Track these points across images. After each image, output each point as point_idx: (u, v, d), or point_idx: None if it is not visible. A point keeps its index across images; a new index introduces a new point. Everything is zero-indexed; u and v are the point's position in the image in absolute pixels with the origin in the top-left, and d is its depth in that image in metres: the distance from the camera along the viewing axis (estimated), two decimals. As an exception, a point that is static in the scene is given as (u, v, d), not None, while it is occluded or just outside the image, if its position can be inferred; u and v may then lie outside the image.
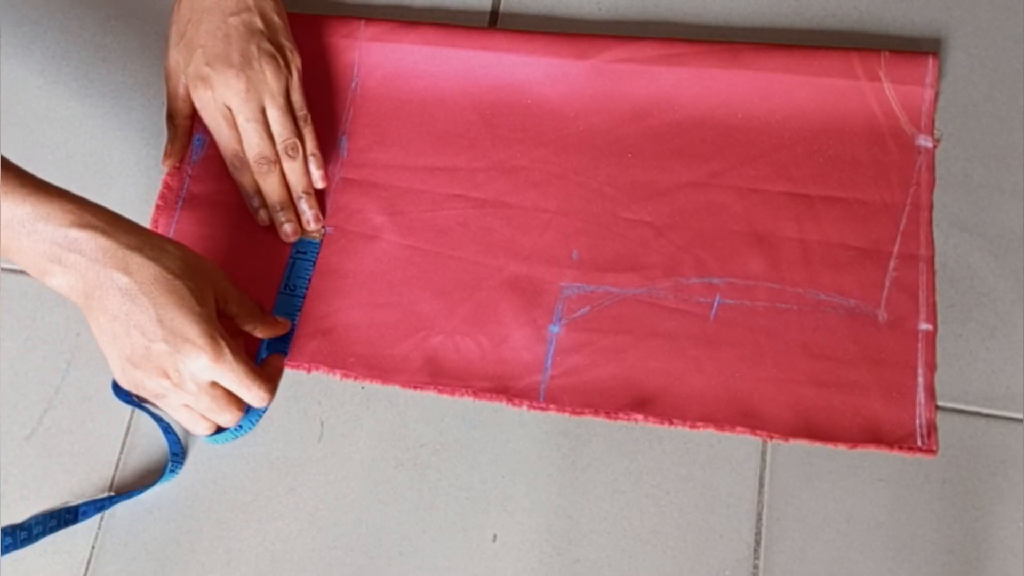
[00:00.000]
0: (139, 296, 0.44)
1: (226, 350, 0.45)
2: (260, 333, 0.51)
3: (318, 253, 0.55)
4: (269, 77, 0.52)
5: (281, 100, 0.53)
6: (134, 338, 0.44)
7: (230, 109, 0.52)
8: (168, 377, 0.45)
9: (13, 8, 0.63)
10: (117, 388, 0.49)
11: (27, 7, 0.63)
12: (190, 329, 0.44)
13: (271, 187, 0.54)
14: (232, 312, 0.49)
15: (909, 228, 0.53)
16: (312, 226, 0.55)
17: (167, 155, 0.57)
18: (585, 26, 0.59)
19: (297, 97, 0.54)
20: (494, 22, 0.60)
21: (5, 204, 0.42)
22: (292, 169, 0.54)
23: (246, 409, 0.49)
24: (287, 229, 0.55)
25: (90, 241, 0.43)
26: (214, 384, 0.46)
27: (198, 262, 0.47)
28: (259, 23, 0.52)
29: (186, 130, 0.57)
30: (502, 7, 0.60)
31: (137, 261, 0.44)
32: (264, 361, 0.52)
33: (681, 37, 0.57)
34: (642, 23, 0.59)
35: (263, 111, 0.53)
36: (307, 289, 0.54)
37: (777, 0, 0.59)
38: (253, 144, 0.53)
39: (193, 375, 0.45)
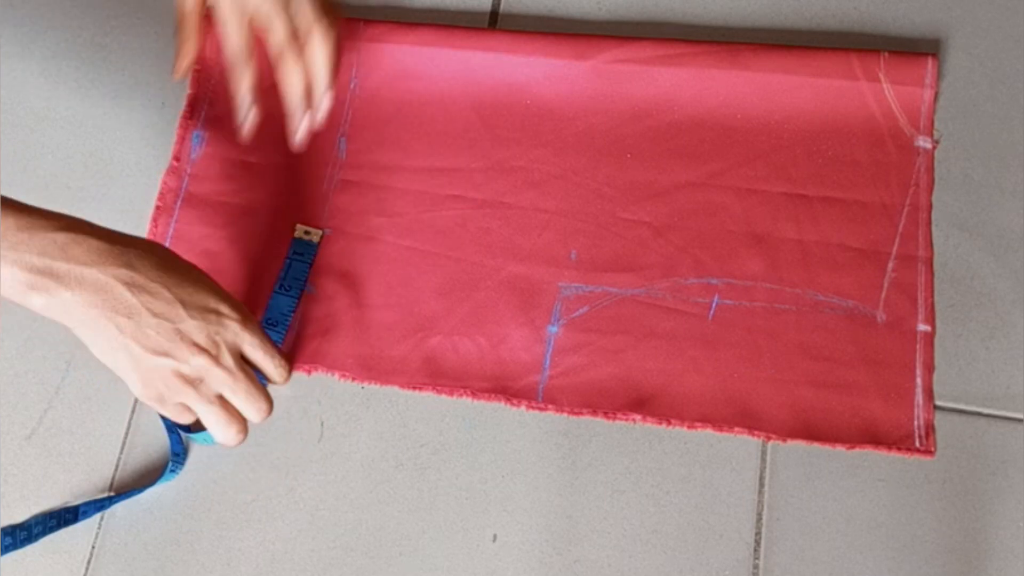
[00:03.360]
0: (149, 284, 0.43)
1: (249, 313, 0.46)
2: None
3: (315, 255, 0.55)
4: None
5: None
6: (158, 327, 0.43)
7: None
8: (206, 351, 0.44)
9: (13, 8, 0.63)
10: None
11: (27, 7, 0.63)
12: (211, 299, 0.44)
13: (293, 79, 0.50)
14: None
15: (908, 229, 0.53)
16: (320, 114, 0.52)
17: (178, 59, 0.55)
18: (585, 27, 0.59)
19: None
20: (494, 23, 0.60)
21: None
22: (317, 54, 0.50)
23: None
24: (302, 132, 0.52)
25: (81, 244, 0.42)
26: (243, 362, 0.46)
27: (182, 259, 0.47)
28: None
29: (195, 27, 0.54)
30: (502, 7, 0.60)
31: (134, 253, 0.43)
32: None
33: (680, 38, 0.57)
34: (642, 23, 0.59)
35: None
36: (303, 290, 0.54)
37: (777, 0, 0.59)
38: (278, 27, 0.49)
39: (228, 343, 0.45)
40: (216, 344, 0.45)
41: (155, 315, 0.43)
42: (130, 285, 0.42)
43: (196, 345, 0.44)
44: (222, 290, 0.46)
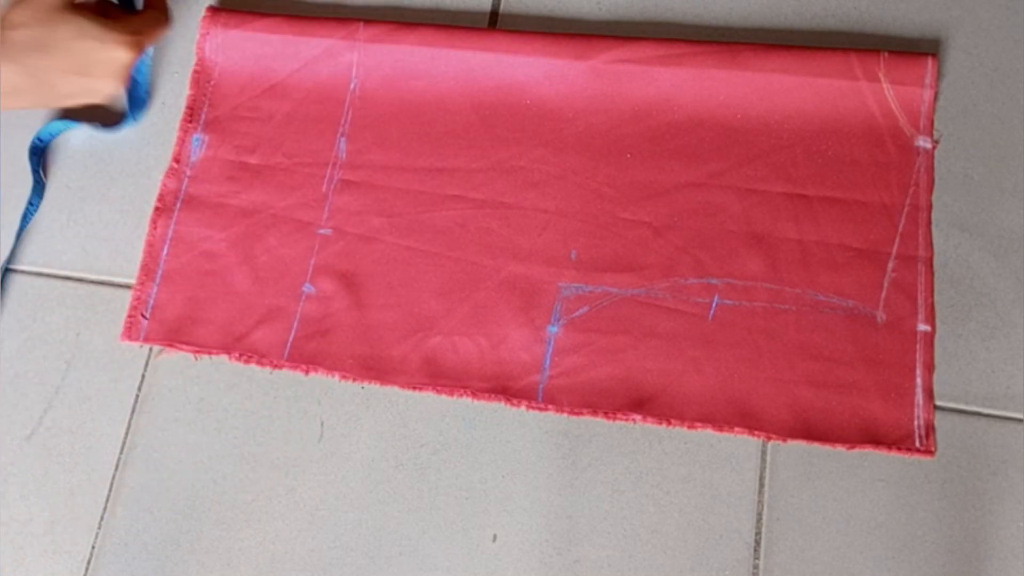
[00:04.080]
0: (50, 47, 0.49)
1: (133, 30, 0.52)
2: None
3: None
4: None
5: None
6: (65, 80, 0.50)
7: None
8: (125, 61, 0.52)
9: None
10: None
11: (27, 8, 0.63)
12: (93, 46, 0.50)
13: None
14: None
15: (908, 229, 0.53)
16: None
17: None
18: (585, 27, 0.59)
19: None
20: (494, 23, 0.60)
21: None
22: None
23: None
24: None
25: None
26: None
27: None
28: None
29: None
30: (502, 8, 0.60)
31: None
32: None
33: (681, 38, 0.57)
34: (641, 24, 0.59)
35: None
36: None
37: (777, 0, 0.59)
38: None
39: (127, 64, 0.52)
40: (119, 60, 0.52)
41: (63, 71, 0.50)
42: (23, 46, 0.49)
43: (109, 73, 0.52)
44: (105, 23, 0.51)
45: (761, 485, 0.50)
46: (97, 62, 0.51)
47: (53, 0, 0.50)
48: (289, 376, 0.53)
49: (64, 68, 0.50)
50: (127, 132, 0.59)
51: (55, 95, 0.52)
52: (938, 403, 0.50)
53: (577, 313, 0.53)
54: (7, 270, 0.56)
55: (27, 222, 0.57)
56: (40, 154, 0.58)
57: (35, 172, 0.58)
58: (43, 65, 0.49)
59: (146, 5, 0.55)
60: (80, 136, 0.59)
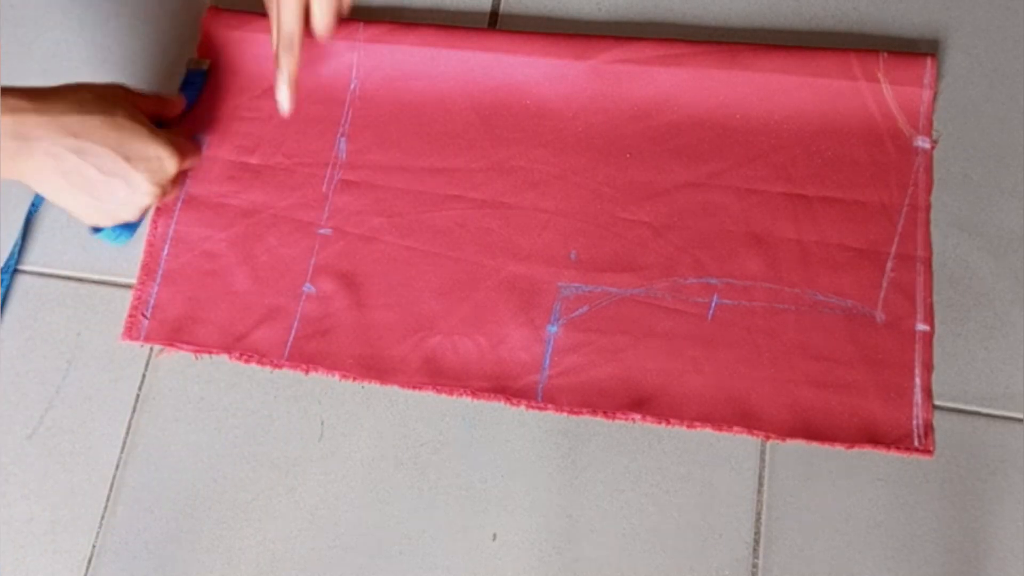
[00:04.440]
0: (95, 148, 0.48)
1: (179, 143, 0.52)
2: (170, 114, 0.56)
3: (203, 85, 0.59)
4: None
5: None
6: (107, 184, 0.49)
7: None
8: (154, 194, 0.51)
9: (13, 8, 0.63)
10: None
11: (27, 7, 0.63)
12: (151, 147, 0.50)
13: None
14: (150, 112, 0.53)
15: (907, 229, 0.53)
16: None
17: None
18: (585, 27, 0.59)
19: None
20: (494, 23, 0.60)
21: None
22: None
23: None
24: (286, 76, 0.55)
25: (27, 121, 0.46)
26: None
27: (110, 91, 0.51)
28: None
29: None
30: (502, 8, 0.60)
31: (77, 120, 0.47)
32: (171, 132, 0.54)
33: (680, 38, 0.57)
34: (641, 24, 0.59)
35: None
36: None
37: (776, 1, 0.59)
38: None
39: (169, 179, 0.52)
40: (161, 186, 0.52)
41: (106, 174, 0.49)
42: (78, 152, 0.47)
43: (145, 192, 0.51)
44: (156, 132, 0.51)
45: (760, 484, 0.50)
46: (144, 158, 0.50)
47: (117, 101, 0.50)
48: (289, 376, 0.53)
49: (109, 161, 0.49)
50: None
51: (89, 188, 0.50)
52: (937, 403, 0.50)
53: (577, 313, 0.53)
54: (15, 271, 0.57)
55: (30, 219, 0.57)
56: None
57: None
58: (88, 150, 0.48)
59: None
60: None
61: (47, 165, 0.47)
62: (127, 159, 0.49)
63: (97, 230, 0.54)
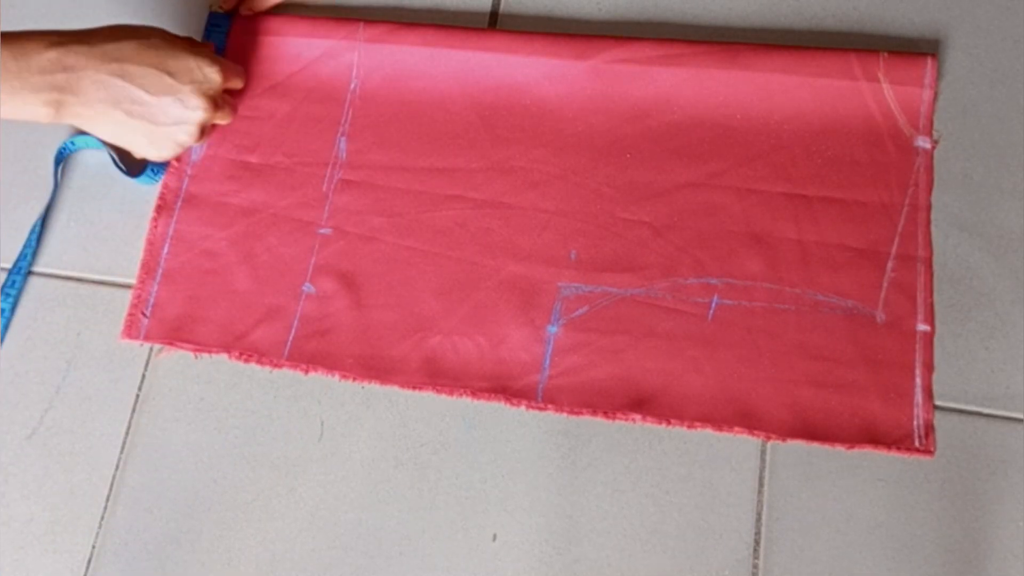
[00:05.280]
0: (140, 69, 0.49)
1: (222, 59, 0.53)
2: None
3: (230, 28, 0.60)
4: None
5: None
6: (159, 103, 0.50)
7: None
8: (205, 107, 0.52)
9: (13, 8, 0.63)
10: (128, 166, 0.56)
11: (27, 7, 0.63)
12: (191, 60, 0.51)
13: None
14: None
15: (907, 229, 0.53)
16: None
17: None
18: (585, 27, 0.59)
19: None
20: (494, 23, 0.60)
21: None
22: None
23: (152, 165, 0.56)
24: None
25: (71, 54, 0.48)
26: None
27: (143, 26, 0.52)
28: None
29: None
30: (502, 8, 0.60)
31: (115, 47, 0.49)
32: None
33: (680, 38, 0.57)
34: (641, 24, 0.59)
35: None
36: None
37: (776, 0, 0.59)
38: None
39: (217, 90, 0.53)
40: (210, 97, 0.53)
41: (155, 94, 0.50)
42: (124, 76, 0.49)
43: (196, 105, 0.52)
44: (193, 44, 0.53)
45: (761, 484, 0.50)
46: (193, 78, 0.52)
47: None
48: (289, 376, 0.53)
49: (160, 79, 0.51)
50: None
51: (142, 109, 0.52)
52: (937, 403, 0.50)
53: (577, 313, 0.53)
54: (29, 272, 0.57)
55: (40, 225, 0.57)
56: (61, 161, 0.58)
57: (55, 176, 0.58)
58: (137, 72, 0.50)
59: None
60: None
61: (97, 97, 0.49)
62: (171, 75, 0.50)
63: (135, 174, 0.56)
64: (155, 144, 0.53)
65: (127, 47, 0.50)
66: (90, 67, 0.48)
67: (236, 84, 0.57)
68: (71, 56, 0.48)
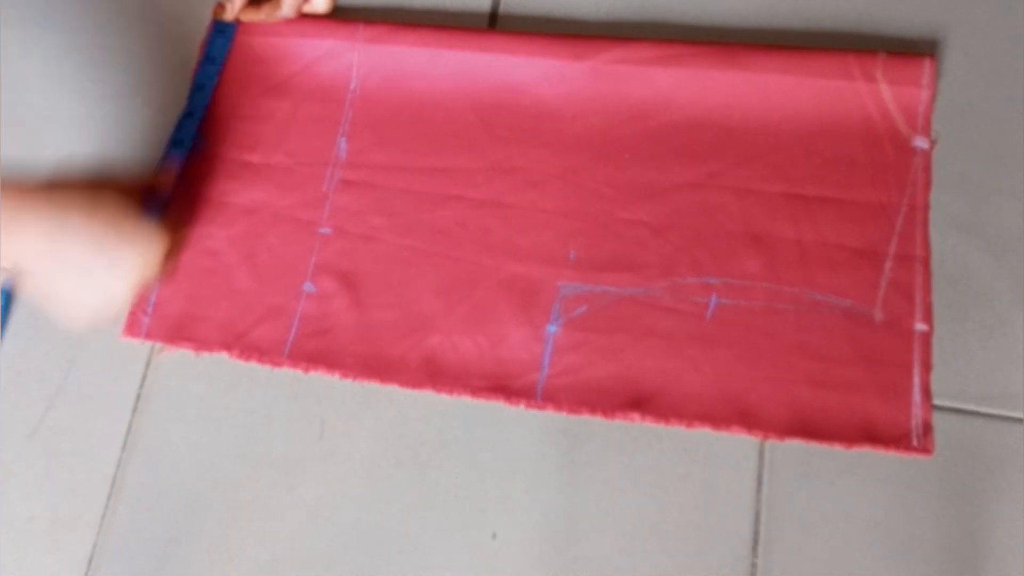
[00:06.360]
0: (76, 227, 0.46)
1: (165, 232, 0.49)
2: (160, 186, 0.54)
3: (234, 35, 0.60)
4: None
5: None
6: (94, 268, 0.47)
7: None
8: (140, 274, 0.48)
9: (13, 8, 0.63)
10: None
11: (27, 7, 0.63)
12: (134, 233, 0.48)
13: None
14: (139, 188, 0.51)
15: (905, 229, 0.53)
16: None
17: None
18: (584, 27, 0.59)
19: None
20: (493, 23, 0.60)
21: None
22: None
23: None
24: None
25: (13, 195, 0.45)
26: None
27: (98, 173, 0.49)
28: None
29: None
30: (501, 8, 0.60)
31: (61, 197, 0.46)
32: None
33: (679, 38, 0.57)
34: (640, 24, 0.59)
35: None
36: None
37: (775, 1, 0.59)
38: None
39: (153, 264, 0.49)
40: (142, 273, 0.48)
41: (86, 254, 0.46)
42: (61, 229, 0.46)
43: (125, 279, 0.48)
44: (141, 218, 0.48)
45: (759, 484, 0.50)
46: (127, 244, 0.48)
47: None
48: (289, 375, 0.54)
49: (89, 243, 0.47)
50: (127, 132, 0.59)
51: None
52: (936, 402, 0.50)
53: (576, 312, 0.53)
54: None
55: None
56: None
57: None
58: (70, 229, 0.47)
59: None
60: (80, 136, 0.59)
61: (32, 244, 0.46)
62: (109, 241, 0.47)
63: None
64: (72, 308, 0.48)
65: (75, 201, 0.46)
66: (33, 214, 0.45)
67: (175, 253, 0.52)
68: (15, 199, 0.45)
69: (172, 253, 0.51)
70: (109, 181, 0.49)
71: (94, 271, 0.47)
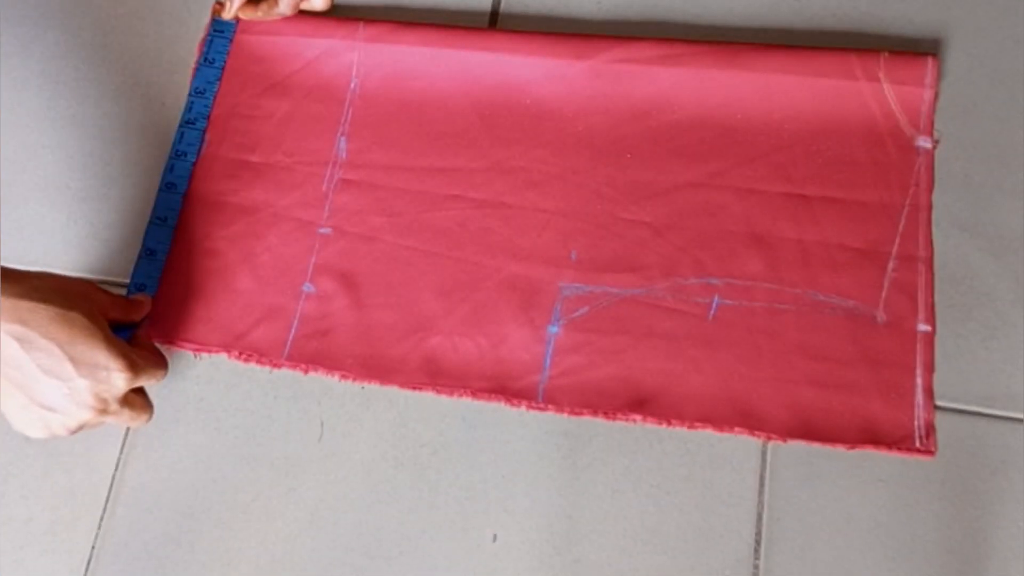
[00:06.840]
0: (40, 340, 0.43)
1: (136, 360, 0.46)
2: (136, 317, 0.51)
3: (235, 31, 0.60)
4: None
5: None
6: (46, 383, 0.44)
7: None
8: (95, 408, 0.45)
9: (13, 8, 0.63)
10: None
11: (27, 7, 0.63)
12: (101, 355, 0.45)
13: None
14: (113, 316, 0.49)
15: (908, 229, 0.53)
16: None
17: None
18: (585, 26, 0.59)
19: None
20: (494, 23, 0.60)
21: None
22: None
23: None
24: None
25: None
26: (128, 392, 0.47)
27: (75, 286, 0.47)
28: None
29: None
30: (502, 7, 0.60)
31: (27, 308, 0.43)
32: (134, 338, 0.51)
33: (680, 38, 0.57)
34: (641, 23, 0.59)
35: None
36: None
37: (776, 0, 0.59)
38: None
39: (115, 396, 0.46)
40: (104, 400, 0.46)
41: (45, 372, 0.44)
42: (22, 341, 0.43)
43: (84, 403, 0.45)
44: (112, 342, 0.46)
45: (761, 485, 0.50)
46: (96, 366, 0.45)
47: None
48: (289, 376, 0.53)
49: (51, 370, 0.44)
50: (127, 132, 0.59)
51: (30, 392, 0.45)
52: (938, 403, 0.50)
53: (577, 313, 0.53)
54: None
55: None
56: None
57: None
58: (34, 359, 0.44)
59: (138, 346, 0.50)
60: (80, 136, 0.59)
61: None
62: (73, 361, 0.44)
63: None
64: (24, 417, 0.45)
65: (41, 312, 0.43)
66: None
67: (146, 383, 0.48)
68: None
69: (146, 377, 0.48)
70: (83, 298, 0.46)
71: (53, 391, 0.44)
